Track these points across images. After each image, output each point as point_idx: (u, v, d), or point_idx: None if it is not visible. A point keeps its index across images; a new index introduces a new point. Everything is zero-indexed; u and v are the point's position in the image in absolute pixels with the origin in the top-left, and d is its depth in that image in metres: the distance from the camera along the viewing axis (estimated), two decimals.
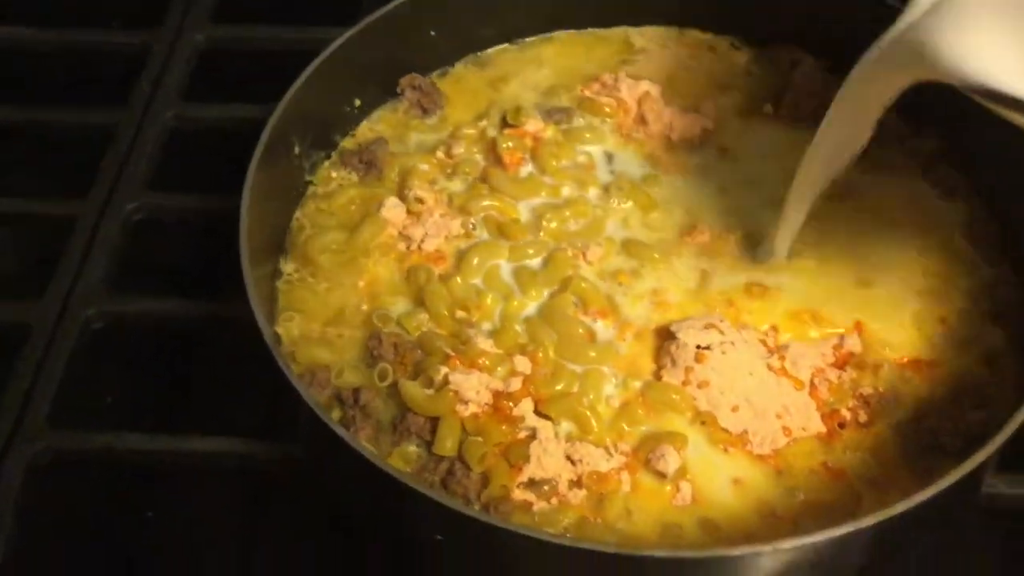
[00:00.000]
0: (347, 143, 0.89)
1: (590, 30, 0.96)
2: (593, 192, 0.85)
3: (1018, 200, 0.80)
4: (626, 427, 0.72)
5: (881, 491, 0.69)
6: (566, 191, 0.84)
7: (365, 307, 0.79)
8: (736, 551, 0.60)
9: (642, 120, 0.89)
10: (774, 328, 0.76)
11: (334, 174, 0.87)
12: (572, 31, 0.96)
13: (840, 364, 0.74)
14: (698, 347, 0.73)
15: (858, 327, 0.76)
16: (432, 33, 0.91)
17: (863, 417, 0.72)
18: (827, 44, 0.90)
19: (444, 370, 0.73)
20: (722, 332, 0.74)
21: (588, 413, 0.72)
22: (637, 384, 0.74)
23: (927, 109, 0.83)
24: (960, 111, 0.69)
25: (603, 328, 0.77)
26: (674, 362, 0.74)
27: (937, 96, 0.66)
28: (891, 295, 0.78)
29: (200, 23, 1.06)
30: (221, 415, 0.80)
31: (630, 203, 0.84)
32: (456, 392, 0.72)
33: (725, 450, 0.71)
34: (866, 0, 0.83)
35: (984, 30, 0.61)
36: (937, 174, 0.85)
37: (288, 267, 0.81)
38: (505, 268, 0.80)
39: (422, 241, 0.82)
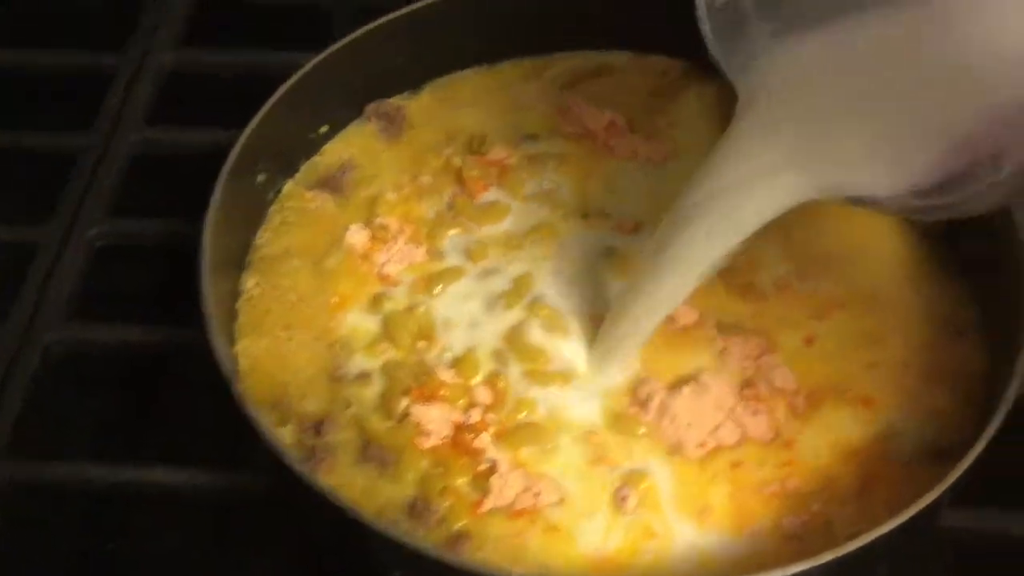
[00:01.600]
0: (313, 168, 0.88)
1: (557, 55, 0.96)
2: (562, 216, 0.85)
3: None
4: (591, 461, 0.72)
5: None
6: (532, 217, 0.84)
7: (328, 334, 0.78)
8: None
9: (607, 147, 0.89)
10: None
11: (299, 199, 0.86)
12: (540, 57, 0.96)
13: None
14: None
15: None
16: (399, 60, 0.91)
17: None
18: None
19: (405, 401, 0.73)
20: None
21: (550, 445, 0.72)
22: (604, 415, 0.74)
23: None
24: None
25: (568, 355, 0.77)
26: (645, 396, 0.74)
27: None
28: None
29: (167, 46, 1.05)
30: (185, 444, 0.79)
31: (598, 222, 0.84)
32: (417, 424, 0.72)
33: (691, 483, 0.71)
34: None
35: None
36: None
37: (251, 286, 0.81)
38: (469, 295, 0.80)
39: (386, 267, 0.82)
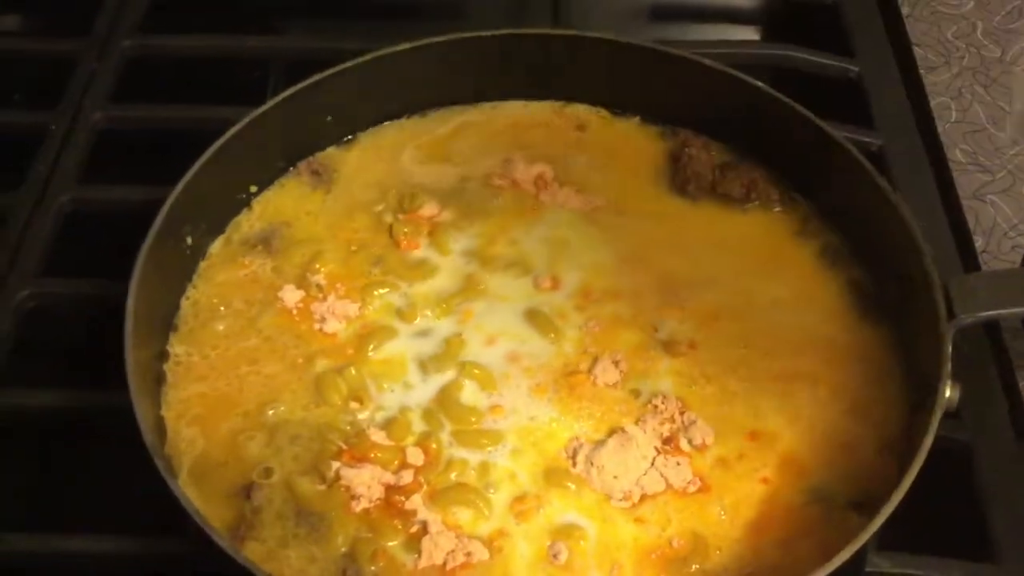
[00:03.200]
0: (243, 227, 0.88)
1: (484, 105, 0.97)
2: (495, 272, 0.85)
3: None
4: (522, 518, 0.72)
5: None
6: (462, 275, 0.85)
7: (258, 396, 0.78)
8: None
9: (536, 200, 0.90)
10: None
11: (229, 259, 0.86)
12: (469, 106, 0.97)
13: None
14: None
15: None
16: (328, 117, 0.92)
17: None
18: (718, 122, 0.93)
19: (336, 465, 0.73)
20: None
21: (481, 504, 0.72)
22: (533, 471, 0.74)
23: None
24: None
25: (499, 413, 0.77)
26: (573, 451, 0.75)
27: None
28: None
29: (100, 101, 1.05)
30: (112, 511, 0.78)
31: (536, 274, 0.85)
32: (348, 487, 0.72)
33: (615, 535, 0.72)
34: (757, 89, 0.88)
35: None
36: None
37: (179, 349, 0.80)
38: (401, 355, 0.80)
39: (320, 326, 0.82)
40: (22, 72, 1.13)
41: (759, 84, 0.88)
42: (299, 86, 0.88)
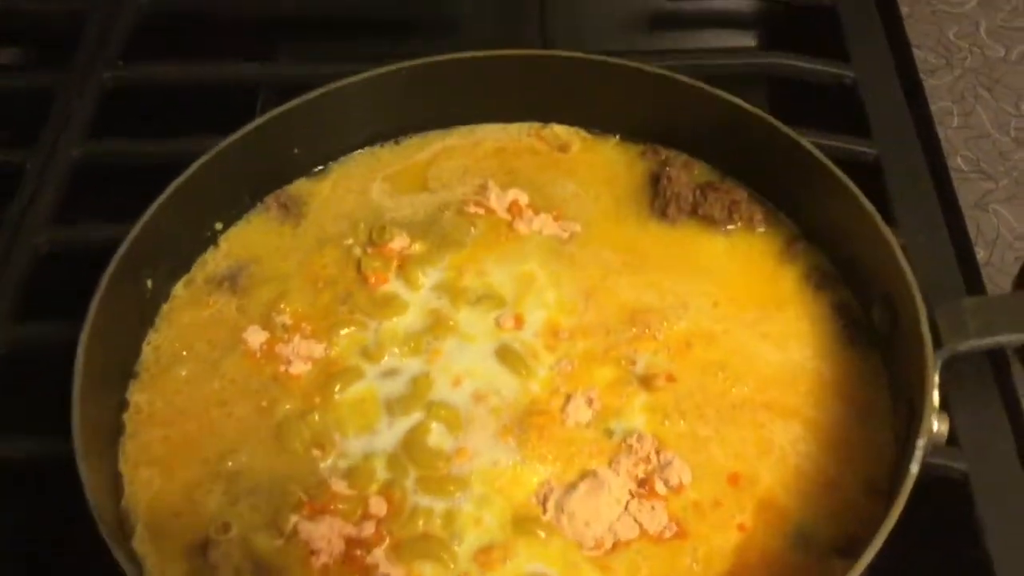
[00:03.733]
0: (209, 265, 0.86)
1: (462, 130, 0.94)
2: (464, 308, 0.82)
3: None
4: (487, 568, 0.69)
5: None
6: (430, 312, 0.82)
7: (219, 444, 0.76)
8: None
9: (512, 229, 0.87)
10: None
11: (193, 300, 0.84)
12: (445, 131, 0.94)
13: None
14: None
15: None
16: (296, 150, 0.90)
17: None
18: (699, 140, 0.89)
19: (294, 518, 0.70)
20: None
21: (446, 556, 0.70)
22: (502, 518, 0.71)
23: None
24: None
25: (465, 457, 0.74)
26: (543, 496, 0.72)
27: None
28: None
29: (77, 137, 1.03)
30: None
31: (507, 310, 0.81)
32: (307, 542, 0.69)
33: None
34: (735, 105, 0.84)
35: None
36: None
37: (139, 398, 0.78)
38: (367, 396, 0.78)
39: (286, 367, 0.79)
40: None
41: (736, 100, 0.84)
42: (261, 119, 0.86)
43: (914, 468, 0.66)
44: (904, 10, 1.10)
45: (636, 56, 0.91)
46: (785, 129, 0.83)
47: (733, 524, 0.70)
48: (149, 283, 0.82)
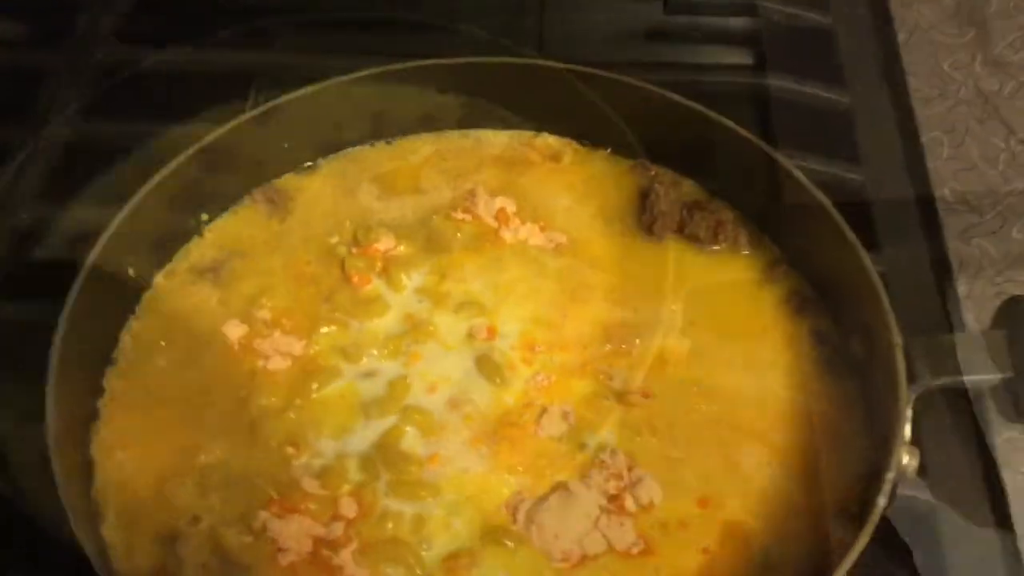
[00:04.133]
0: (193, 254, 0.86)
1: (453, 134, 0.94)
2: (444, 313, 0.82)
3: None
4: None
5: None
6: (411, 315, 0.82)
7: (193, 437, 0.76)
8: None
9: (498, 237, 0.87)
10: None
11: (174, 290, 0.84)
12: (436, 134, 0.94)
13: None
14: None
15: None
16: (286, 145, 0.89)
17: None
18: (687, 157, 0.89)
19: (263, 515, 0.70)
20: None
21: (412, 561, 0.70)
22: (472, 527, 0.72)
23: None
24: None
25: (437, 463, 0.74)
26: (513, 507, 0.72)
27: None
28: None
29: (65, 120, 1.03)
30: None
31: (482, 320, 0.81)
32: (275, 540, 0.69)
33: None
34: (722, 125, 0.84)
35: None
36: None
37: (114, 385, 0.78)
38: (343, 396, 0.78)
39: (264, 363, 0.79)
40: None
41: (725, 121, 0.84)
42: (253, 112, 0.86)
43: (882, 501, 0.67)
44: (901, 36, 1.10)
45: (630, 68, 0.91)
46: (772, 152, 0.83)
47: (699, 547, 0.70)
48: (131, 271, 0.81)
